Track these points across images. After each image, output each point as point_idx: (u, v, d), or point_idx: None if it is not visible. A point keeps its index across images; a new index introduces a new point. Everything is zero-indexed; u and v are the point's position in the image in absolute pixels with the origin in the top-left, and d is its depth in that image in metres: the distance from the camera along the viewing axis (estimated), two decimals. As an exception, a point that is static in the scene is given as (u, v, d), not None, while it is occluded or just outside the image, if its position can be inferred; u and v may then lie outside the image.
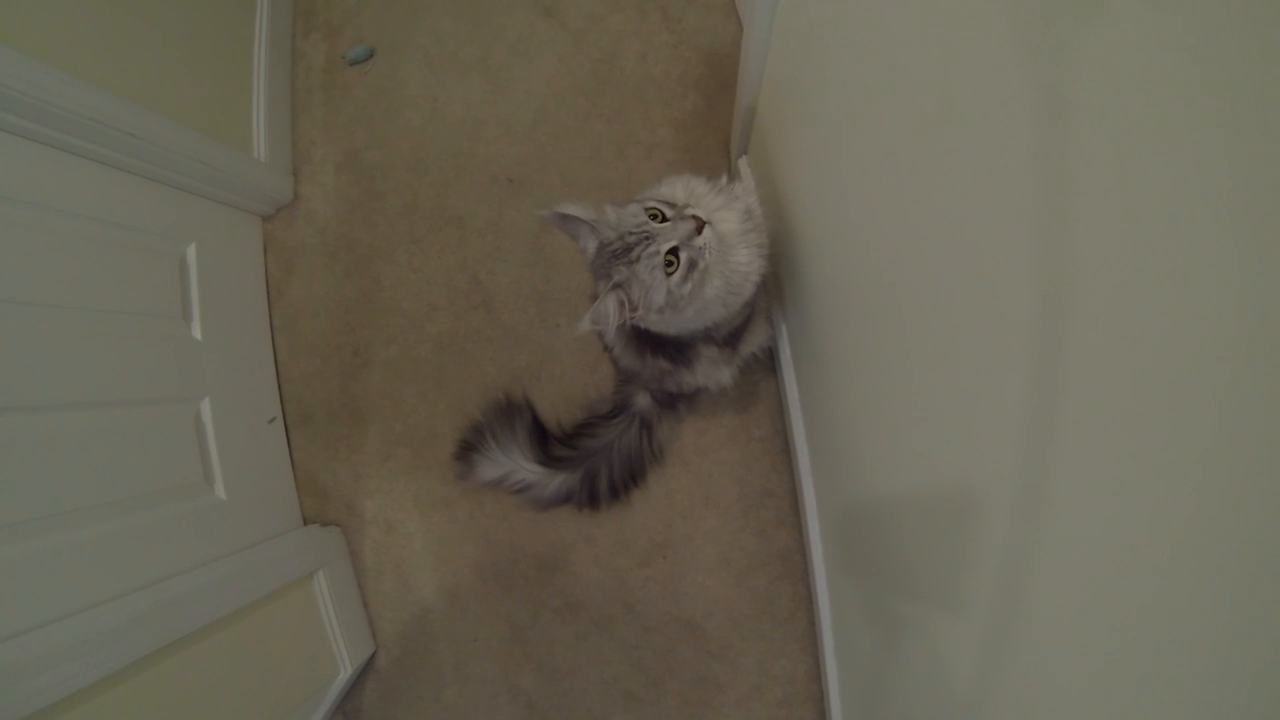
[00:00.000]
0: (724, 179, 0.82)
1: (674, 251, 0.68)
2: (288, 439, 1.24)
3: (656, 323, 0.75)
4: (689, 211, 0.69)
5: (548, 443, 1.06)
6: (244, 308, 1.24)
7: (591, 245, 0.71)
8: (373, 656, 1.22)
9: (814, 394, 0.95)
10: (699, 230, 0.68)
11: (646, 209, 0.70)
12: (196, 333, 1.11)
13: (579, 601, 1.14)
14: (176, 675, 0.90)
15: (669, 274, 0.68)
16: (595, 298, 0.71)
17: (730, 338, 0.87)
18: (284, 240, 1.29)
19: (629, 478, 1.06)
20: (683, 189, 0.76)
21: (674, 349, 0.84)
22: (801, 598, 1.07)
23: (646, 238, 0.68)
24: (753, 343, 0.94)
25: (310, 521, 1.23)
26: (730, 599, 1.09)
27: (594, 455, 1.03)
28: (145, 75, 1.05)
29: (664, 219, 0.69)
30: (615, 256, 0.68)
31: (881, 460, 0.69)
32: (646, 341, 0.83)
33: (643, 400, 1.03)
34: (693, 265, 0.69)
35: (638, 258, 0.67)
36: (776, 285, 1.02)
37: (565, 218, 0.69)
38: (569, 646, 1.15)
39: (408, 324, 1.21)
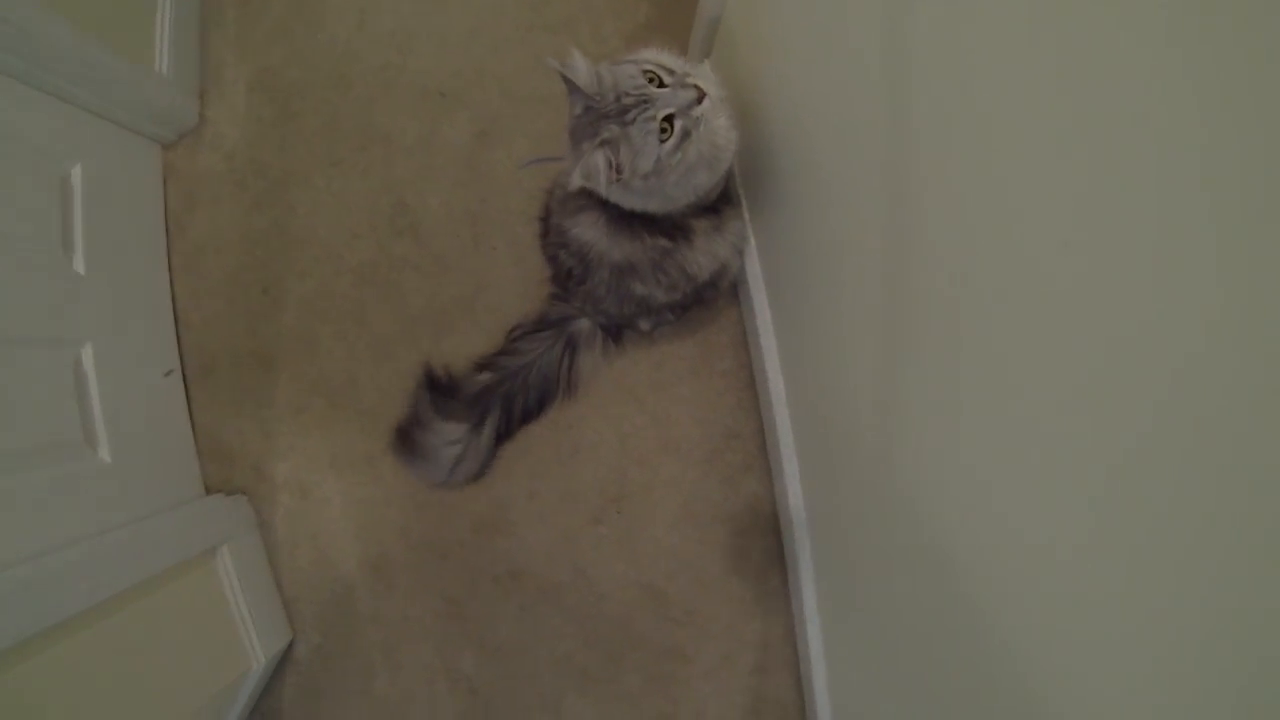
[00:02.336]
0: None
1: (668, 119, 0.68)
2: (187, 395, 1.12)
3: (640, 190, 0.73)
4: (690, 80, 0.69)
5: (459, 397, 0.97)
6: (139, 245, 1.12)
7: (579, 105, 0.70)
8: (290, 646, 1.09)
9: (791, 310, 0.86)
10: (699, 100, 0.69)
11: (644, 71, 0.69)
12: (79, 266, 0.98)
13: (522, 568, 1.03)
14: (49, 670, 0.77)
15: (662, 141, 0.68)
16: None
17: (720, 216, 0.86)
18: (187, 170, 1.17)
19: (537, 405, 0.97)
20: (669, 59, 0.74)
21: (669, 225, 0.80)
22: (773, 552, 0.97)
23: (644, 102, 0.67)
24: (731, 231, 0.89)
25: (213, 490, 1.10)
26: (694, 556, 0.99)
27: (516, 376, 0.94)
28: None
29: (662, 84, 0.69)
30: (606, 117, 0.68)
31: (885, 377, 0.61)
32: (641, 222, 0.79)
33: (585, 323, 0.94)
34: (686, 134, 0.69)
35: (633, 120, 0.67)
36: (744, 197, 0.94)
37: (564, 75, 0.68)
38: (513, 620, 1.04)
39: (325, 255, 1.10)
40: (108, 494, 0.94)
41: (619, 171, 0.69)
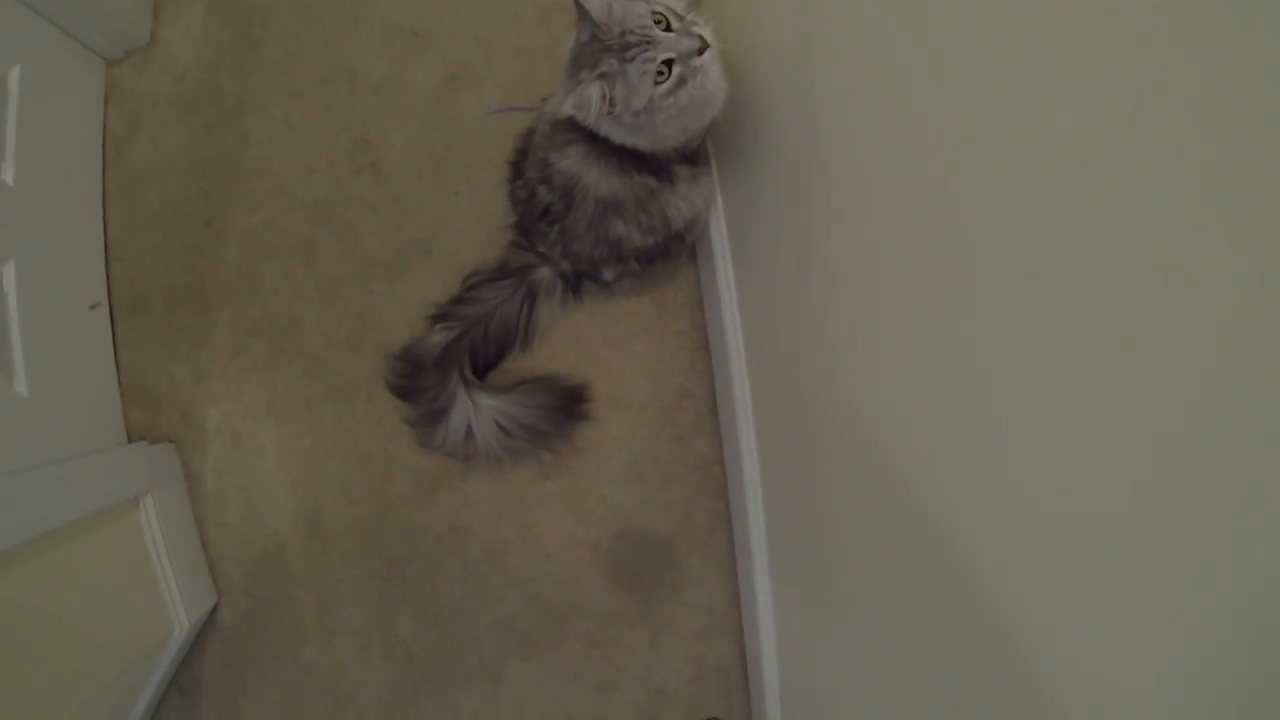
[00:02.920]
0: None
1: (667, 63, 0.70)
2: (113, 332, 1.05)
3: (630, 124, 0.75)
4: (695, 30, 0.71)
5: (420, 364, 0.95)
6: (72, 165, 1.06)
7: (586, 33, 0.71)
8: (214, 609, 1.04)
9: (753, 269, 0.86)
10: (701, 51, 0.71)
11: (654, 12, 0.71)
12: (7, 176, 0.92)
13: (466, 526, 1.00)
14: None
15: (657, 83, 0.70)
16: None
17: (696, 160, 0.87)
18: (132, 89, 1.11)
19: (496, 354, 0.96)
20: (678, 4, 0.75)
21: (656, 165, 0.81)
22: (720, 515, 0.97)
23: (647, 42, 0.69)
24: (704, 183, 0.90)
25: (137, 437, 1.04)
26: (642, 517, 0.98)
27: (472, 324, 0.92)
28: None
29: (668, 27, 0.71)
30: (609, 50, 0.70)
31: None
32: (630, 159, 0.80)
33: (545, 271, 0.92)
34: (682, 81, 0.71)
35: (633, 58, 0.69)
36: (712, 155, 0.94)
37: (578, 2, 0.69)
38: (455, 582, 1.01)
39: (277, 189, 1.06)
40: (21, 430, 0.88)
41: (612, 104, 0.71)
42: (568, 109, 0.71)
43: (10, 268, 0.91)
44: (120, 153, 1.09)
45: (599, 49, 0.69)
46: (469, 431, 0.93)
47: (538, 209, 0.88)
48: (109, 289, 1.06)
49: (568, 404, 0.97)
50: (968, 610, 0.45)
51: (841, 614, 0.68)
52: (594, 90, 0.69)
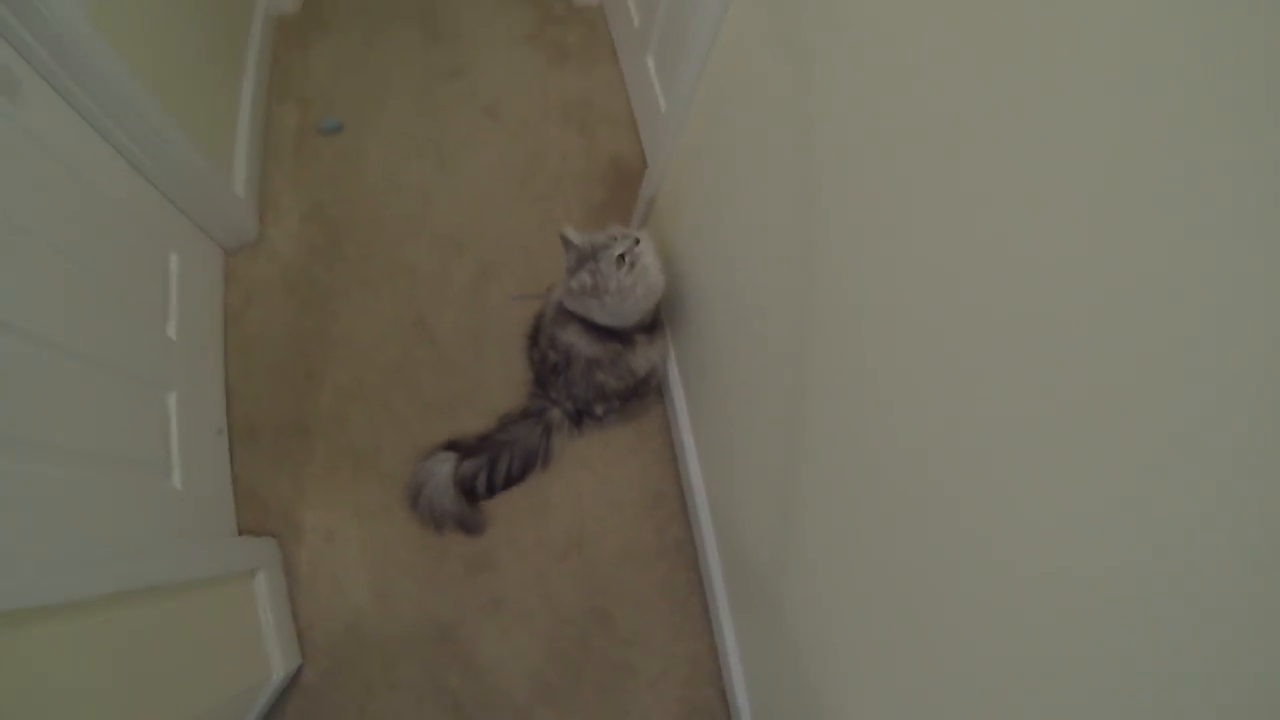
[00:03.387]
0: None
1: (621, 256, 1.12)
2: (230, 452, 1.42)
3: (609, 305, 1.16)
4: (630, 234, 1.17)
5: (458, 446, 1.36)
6: (204, 327, 1.45)
7: (573, 257, 1.14)
8: (299, 671, 1.36)
9: (701, 409, 1.31)
10: (636, 243, 1.15)
11: (607, 234, 1.16)
12: (171, 332, 1.30)
13: (502, 597, 1.37)
14: (109, 627, 0.97)
15: (618, 269, 1.12)
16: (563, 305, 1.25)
17: (652, 334, 1.31)
18: (245, 274, 1.53)
19: (520, 472, 1.35)
20: (620, 230, 1.21)
21: (624, 337, 1.25)
22: (694, 583, 1.37)
23: (606, 246, 1.13)
24: (660, 344, 1.35)
25: (247, 534, 1.39)
26: (636, 587, 1.37)
27: (501, 448, 1.32)
28: (166, 74, 1.30)
29: (614, 238, 1.16)
30: (586, 258, 1.13)
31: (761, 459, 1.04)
32: (606, 333, 1.23)
33: (556, 412, 1.34)
34: (633, 263, 1.14)
35: (600, 256, 1.12)
36: (667, 323, 1.40)
37: (565, 239, 1.15)
38: (493, 641, 1.36)
39: (359, 353, 1.47)
40: (176, 512, 1.20)
41: (595, 287, 1.12)
42: (574, 287, 1.14)
43: (173, 396, 1.27)
44: (237, 321, 1.50)
45: (582, 259, 1.13)
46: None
47: (548, 367, 1.31)
48: (229, 420, 1.43)
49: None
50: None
51: (791, 644, 1.08)
52: (586, 276, 1.12)
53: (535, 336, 1.39)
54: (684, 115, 1.17)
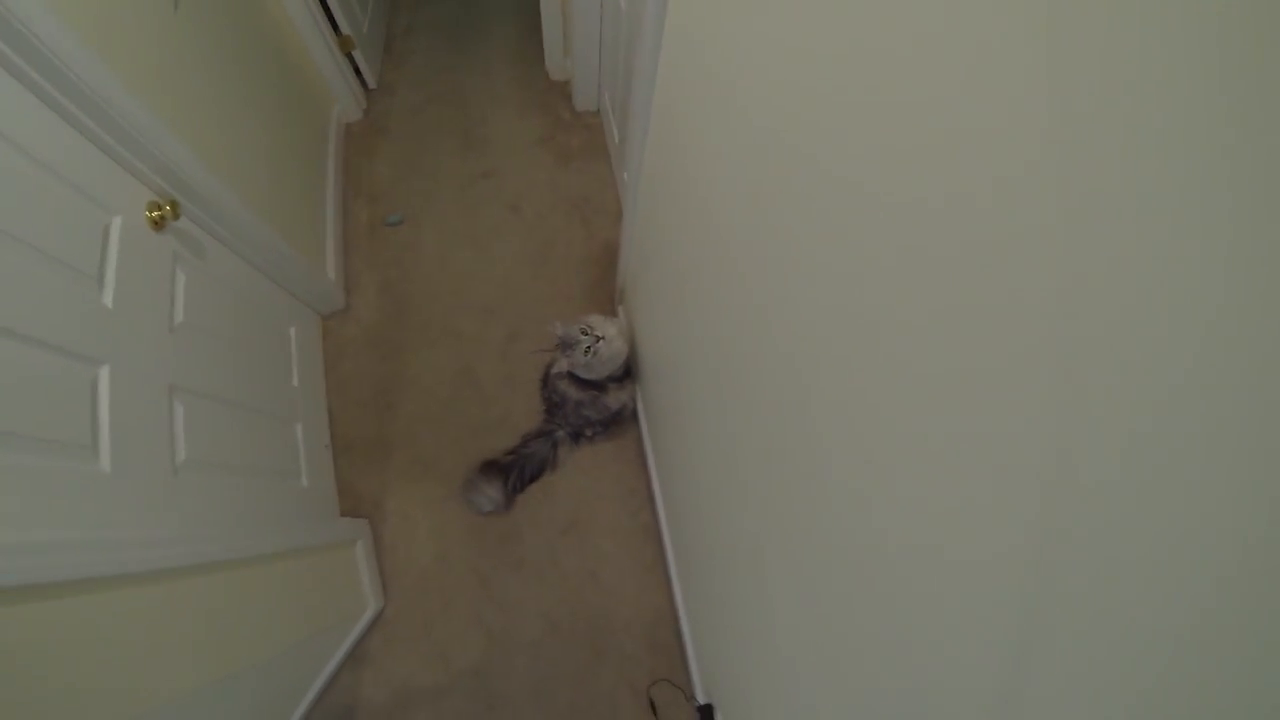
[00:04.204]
0: (616, 314, 1.90)
1: (587, 349, 1.73)
2: (334, 460, 2.07)
3: (584, 369, 1.80)
4: (595, 332, 1.75)
5: (496, 467, 2.01)
6: (312, 373, 2.10)
7: (560, 342, 1.77)
8: (382, 610, 2.01)
9: (658, 432, 1.96)
10: (597, 341, 1.74)
11: (581, 329, 1.75)
12: (295, 381, 1.96)
13: (524, 559, 2.03)
14: (261, 577, 1.43)
15: (585, 355, 1.73)
16: (553, 365, 1.83)
17: (622, 382, 1.93)
18: (338, 333, 2.18)
19: (536, 475, 2.01)
20: (596, 320, 1.82)
21: (598, 385, 1.89)
22: (658, 554, 2.03)
23: (578, 341, 1.73)
24: (628, 389, 1.98)
25: (346, 515, 2.05)
26: (616, 555, 2.03)
27: (525, 458, 1.98)
28: (276, 203, 1.95)
29: (586, 333, 1.74)
30: (568, 345, 1.74)
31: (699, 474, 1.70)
32: (586, 383, 1.87)
33: (561, 433, 2.00)
34: (595, 353, 1.74)
35: (573, 350, 1.73)
36: (635, 373, 2.06)
37: (553, 332, 1.76)
38: (517, 590, 2.02)
39: (424, 391, 2.13)
40: (303, 506, 1.86)
41: (573, 363, 1.78)
42: (563, 368, 1.81)
43: (299, 428, 1.93)
44: (333, 367, 2.15)
45: (565, 345, 1.76)
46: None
47: (553, 404, 1.97)
48: (332, 438, 2.09)
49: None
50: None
51: (713, 596, 1.74)
52: (564, 361, 1.78)
53: (545, 380, 2.04)
54: (632, 238, 1.81)
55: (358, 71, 2.55)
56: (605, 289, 2.26)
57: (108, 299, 1.21)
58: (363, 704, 1.93)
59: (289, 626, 1.61)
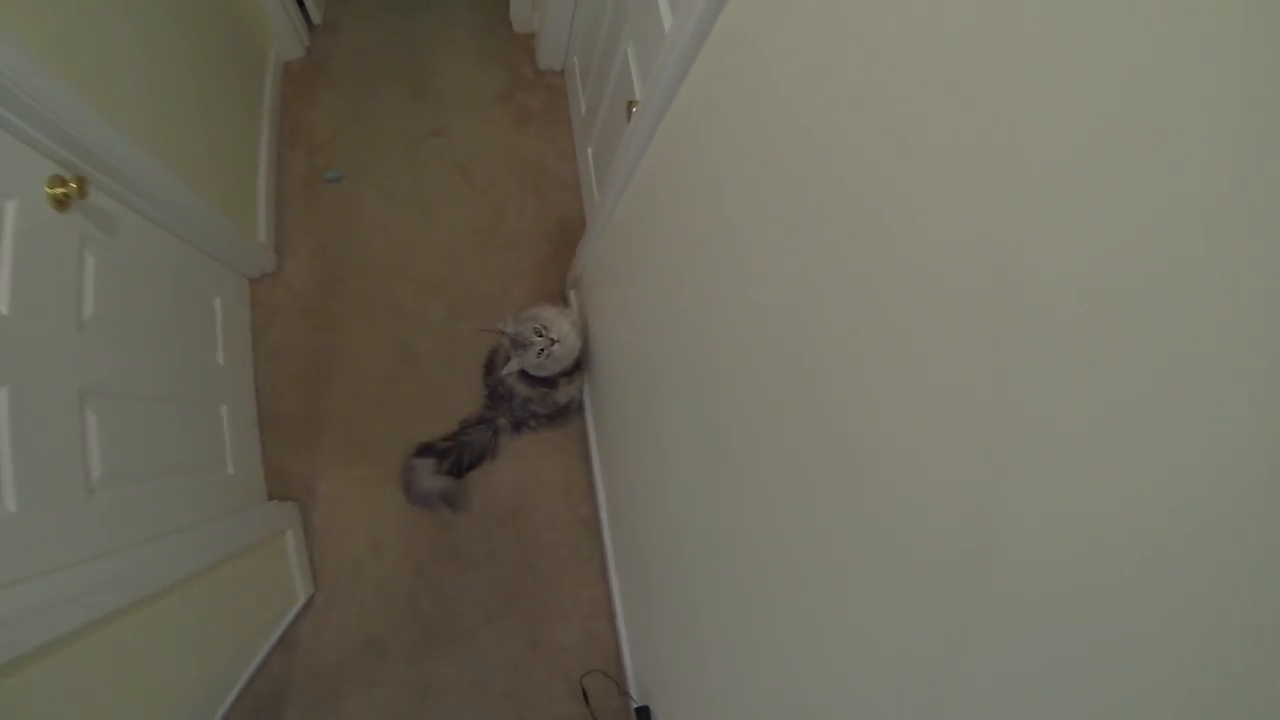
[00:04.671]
0: (568, 305, 1.77)
1: (540, 351, 1.63)
2: (261, 438, 1.96)
3: (535, 368, 1.71)
4: (550, 334, 1.65)
5: (434, 452, 1.92)
6: (238, 344, 1.97)
7: (509, 342, 1.66)
8: (313, 596, 1.94)
9: (603, 425, 1.88)
10: (551, 344, 1.64)
11: (535, 329, 1.65)
12: (220, 358, 1.83)
13: (460, 548, 1.97)
14: (180, 607, 1.32)
15: (538, 357, 1.64)
16: (506, 358, 1.74)
17: (571, 376, 1.84)
18: (267, 299, 2.04)
19: (475, 462, 1.93)
20: (549, 316, 1.71)
21: (549, 382, 1.79)
22: (596, 548, 1.98)
23: (529, 345, 1.63)
24: (577, 381, 1.89)
25: (275, 498, 1.95)
26: (554, 547, 1.98)
27: (464, 446, 1.89)
28: (204, 171, 1.76)
29: (539, 334, 1.64)
30: (517, 345, 1.64)
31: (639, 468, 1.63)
32: (536, 380, 1.77)
33: (503, 421, 1.91)
34: (550, 355, 1.65)
35: (525, 350, 1.63)
36: (586, 366, 1.96)
37: (501, 330, 1.65)
38: (453, 580, 1.97)
39: (359, 367, 2.01)
40: (229, 494, 1.75)
41: (523, 363, 1.69)
42: (514, 367, 1.71)
43: (225, 408, 1.81)
44: (261, 337, 2.02)
45: (516, 345, 1.66)
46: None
47: (498, 395, 1.87)
48: (259, 415, 1.97)
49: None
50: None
51: (655, 602, 1.69)
52: (514, 361, 1.67)
53: (490, 367, 1.94)
54: (606, 225, 1.68)
55: (300, 3, 2.32)
56: (557, 268, 2.14)
57: (2, 305, 1.05)
58: (294, 693, 1.88)
59: (220, 643, 1.53)
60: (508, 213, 2.18)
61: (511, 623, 1.96)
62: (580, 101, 2.16)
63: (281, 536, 1.86)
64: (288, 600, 1.85)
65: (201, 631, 1.46)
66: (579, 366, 1.91)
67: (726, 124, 0.84)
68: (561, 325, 1.72)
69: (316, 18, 2.44)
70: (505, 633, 1.96)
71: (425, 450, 1.92)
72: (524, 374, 1.78)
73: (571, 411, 1.96)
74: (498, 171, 2.23)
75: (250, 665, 1.83)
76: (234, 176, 1.94)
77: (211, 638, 1.50)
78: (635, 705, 1.69)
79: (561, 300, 2.12)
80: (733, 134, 0.82)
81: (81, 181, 1.22)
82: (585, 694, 1.92)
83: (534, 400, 1.82)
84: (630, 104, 1.29)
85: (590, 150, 2.05)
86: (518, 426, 1.94)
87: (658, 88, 1.02)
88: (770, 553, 0.71)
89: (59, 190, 1.19)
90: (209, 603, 1.49)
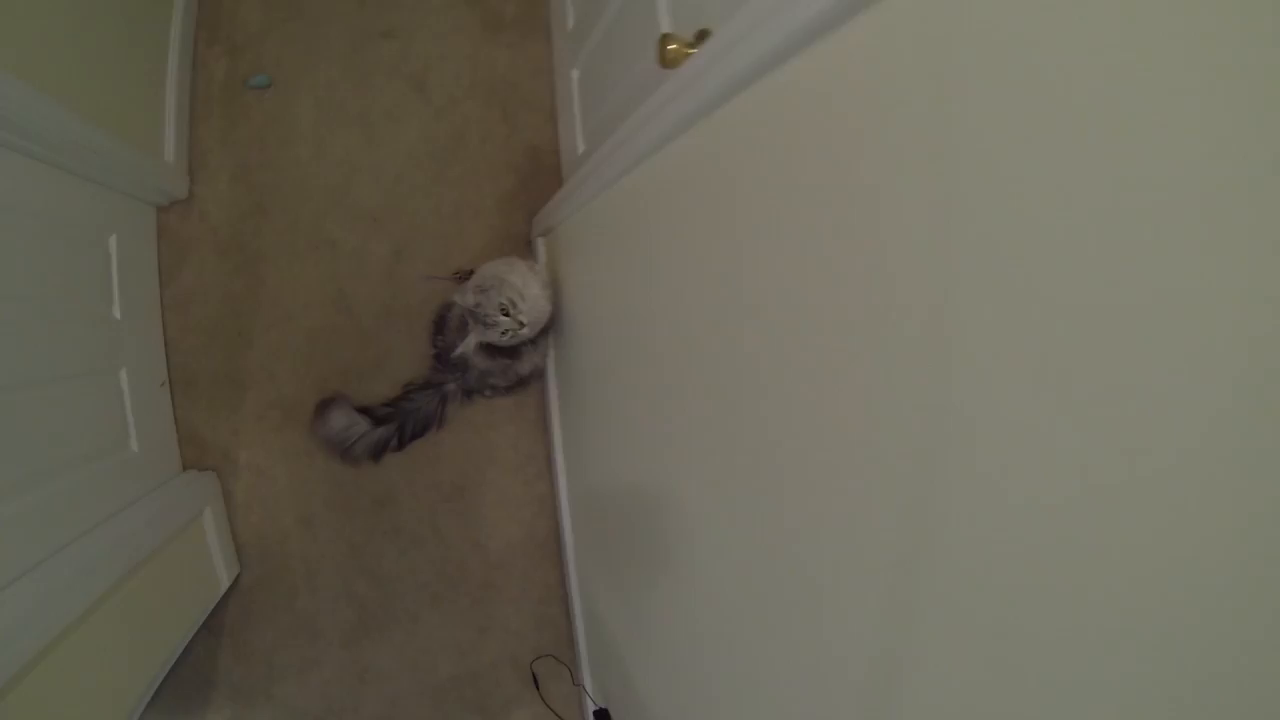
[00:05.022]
0: (537, 262, 1.47)
1: (507, 330, 1.39)
2: (173, 399, 1.70)
3: (499, 340, 1.44)
4: (518, 313, 1.39)
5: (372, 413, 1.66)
6: (143, 287, 1.67)
7: (467, 312, 1.41)
8: (238, 577, 1.73)
9: (570, 393, 1.62)
10: (520, 326, 1.40)
11: (500, 304, 1.38)
12: (117, 312, 1.54)
13: (401, 526, 1.75)
14: (86, 643, 1.17)
15: (502, 335, 1.41)
16: (461, 322, 1.50)
17: (536, 341, 1.57)
18: (177, 232, 1.73)
19: (419, 431, 1.68)
20: (517, 275, 1.41)
21: (511, 352, 1.53)
22: (552, 529, 1.76)
23: (495, 323, 1.39)
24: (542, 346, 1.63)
25: (189, 467, 1.71)
26: (505, 527, 1.76)
27: (407, 413, 1.64)
28: (91, 95, 1.41)
29: (506, 312, 1.38)
30: (479, 321, 1.41)
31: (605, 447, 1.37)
32: (497, 350, 1.51)
33: (452, 386, 1.64)
34: (516, 334, 1.42)
35: (488, 327, 1.40)
36: (555, 329, 1.68)
37: (466, 304, 1.38)
38: (393, 560, 1.75)
39: (285, 316, 1.73)
40: (135, 476, 1.49)
41: (485, 338, 1.42)
42: (471, 344, 1.45)
43: (124, 372, 1.53)
44: (171, 278, 1.72)
45: (475, 319, 1.40)
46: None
47: (449, 362, 1.59)
48: (170, 372, 1.70)
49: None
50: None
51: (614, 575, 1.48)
52: (471, 339, 1.43)
53: (440, 325, 1.65)
54: (595, 188, 1.20)
55: None
56: (522, 207, 1.82)
57: None
58: (221, 678, 1.71)
59: (140, 666, 1.35)
60: (469, 137, 1.83)
61: (457, 605, 1.77)
62: (567, 11, 1.77)
63: (199, 519, 1.62)
64: (211, 590, 1.64)
65: (117, 659, 1.28)
66: (545, 331, 1.63)
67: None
68: (531, 287, 1.43)
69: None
70: (450, 616, 1.77)
71: (365, 411, 1.66)
72: (484, 345, 1.50)
73: (534, 379, 1.70)
74: (459, 87, 1.87)
75: (172, 656, 1.64)
76: (135, 82, 1.59)
77: (130, 661, 1.32)
78: (595, 708, 1.52)
79: (525, 248, 1.81)
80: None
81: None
82: (535, 678, 1.77)
83: (493, 374, 1.56)
84: (701, 33, 0.86)
85: (576, 74, 1.69)
86: (469, 393, 1.68)
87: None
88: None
89: None
90: (122, 626, 1.30)
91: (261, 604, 1.74)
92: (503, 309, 1.40)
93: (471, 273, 1.76)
